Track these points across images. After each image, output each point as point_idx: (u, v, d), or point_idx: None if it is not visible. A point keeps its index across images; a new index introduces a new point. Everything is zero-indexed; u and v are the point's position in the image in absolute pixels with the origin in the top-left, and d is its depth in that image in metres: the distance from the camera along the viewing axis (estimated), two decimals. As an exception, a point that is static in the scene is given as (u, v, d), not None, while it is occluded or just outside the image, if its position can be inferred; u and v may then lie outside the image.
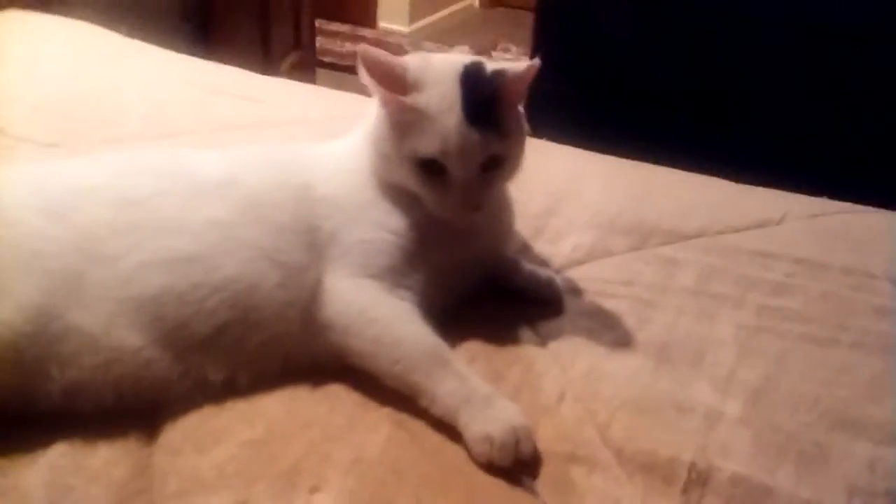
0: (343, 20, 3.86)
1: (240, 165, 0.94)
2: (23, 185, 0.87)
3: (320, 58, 3.19)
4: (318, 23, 3.11)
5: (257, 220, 0.87)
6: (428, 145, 0.86)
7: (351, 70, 1.53)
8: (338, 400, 0.84)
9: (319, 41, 3.24)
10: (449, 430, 0.80)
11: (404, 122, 0.86)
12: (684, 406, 0.86)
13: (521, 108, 0.92)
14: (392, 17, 4.02)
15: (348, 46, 3.60)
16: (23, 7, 1.67)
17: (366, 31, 3.89)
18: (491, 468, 0.77)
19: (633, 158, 1.35)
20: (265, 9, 2.53)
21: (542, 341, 0.95)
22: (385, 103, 0.88)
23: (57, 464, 0.75)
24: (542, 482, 0.77)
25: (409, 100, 0.85)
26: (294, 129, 1.32)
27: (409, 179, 0.89)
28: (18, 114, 1.26)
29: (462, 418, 0.79)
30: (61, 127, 1.24)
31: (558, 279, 1.03)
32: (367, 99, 0.94)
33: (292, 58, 2.70)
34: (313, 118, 1.37)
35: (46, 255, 0.80)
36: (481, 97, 0.86)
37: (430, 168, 0.87)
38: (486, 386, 0.82)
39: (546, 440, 0.80)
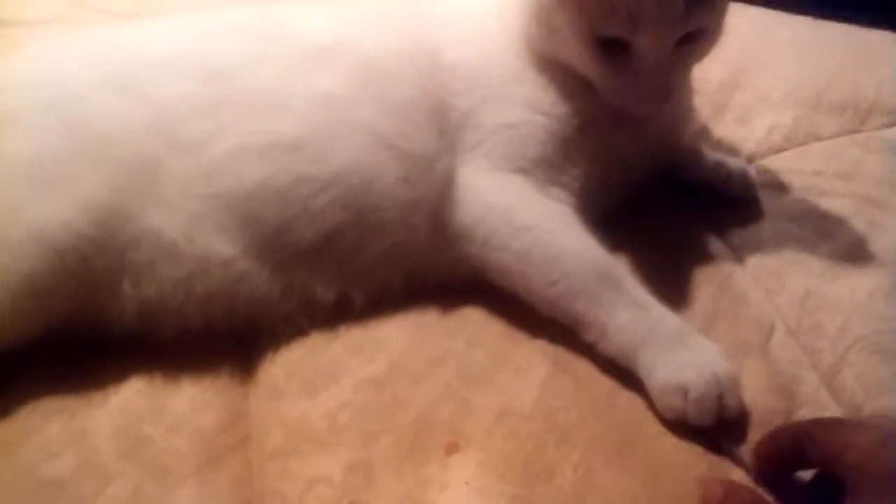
0: None
1: (352, 26, 0.73)
2: (85, 52, 0.70)
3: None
4: None
5: (375, 95, 0.67)
6: (616, 20, 0.63)
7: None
8: (477, 329, 0.66)
9: None
10: (625, 373, 0.61)
11: None
12: (944, 345, 0.64)
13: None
14: None
15: None
16: None
17: None
18: (683, 428, 0.58)
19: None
20: None
21: (738, 254, 0.73)
22: None
23: (132, 406, 0.60)
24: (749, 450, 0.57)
25: None
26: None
27: (582, 60, 0.67)
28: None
29: (644, 360, 0.60)
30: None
31: (752, 170, 0.79)
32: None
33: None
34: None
35: (114, 139, 0.63)
36: None
37: (612, 47, 0.65)
38: (675, 317, 0.63)
39: (750, 392, 0.60)
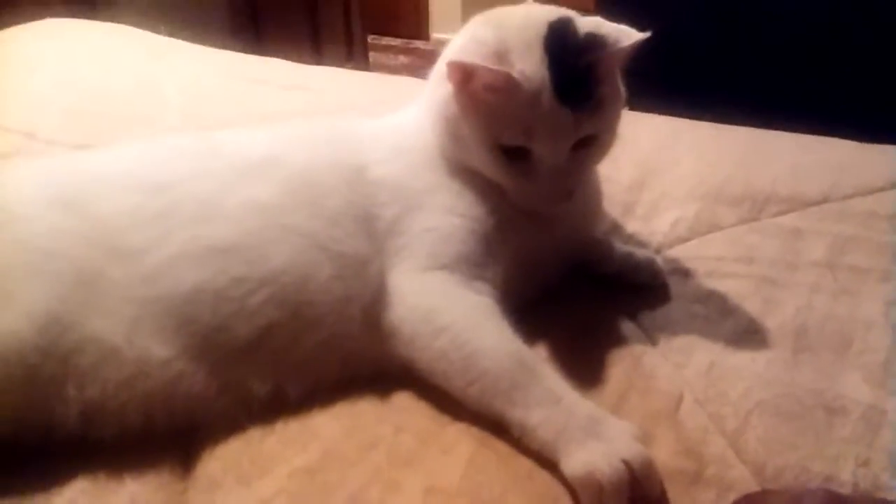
0: (395, 34, 3.74)
1: (284, 143, 0.80)
2: (33, 177, 0.76)
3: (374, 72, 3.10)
4: (370, 38, 3.06)
5: (306, 203, 0.74)
6: (513, 132, 0.71)
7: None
8: (406, 414, 0.70)
9: (372, 56, 3.17)
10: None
11: (483, 103, 0.72)
12: (835, 406, 0.69)
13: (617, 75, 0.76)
14: (445, 27, 3.84)
15: (402, 59, 3.50)
16: (69, 13, 1.58)
17: (419, 44, 3.75)
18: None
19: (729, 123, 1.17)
20: (316, 26, 2.50)
21: (648, 334, 0.79)
22: (461, 83, 0.73)
23: (77, 503, 0.62)
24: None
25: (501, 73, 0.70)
26: (343, 116, 1.18)
27: (488, 167, 0.75)
28: (48, 118, 1.16)
29: (561, 455, 0.63)
30: (92, 127, 1.13)
31: (659, 260, 0.86)
32: (422, 81, 0.80)
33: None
34: (363, 103, 1.23)
35: (58, 253, 0.68)
36: (573, 67, 0.71)
37: (514, 154, 0.72)
38: (588, 404, 0.66)
39: (662, 457, 0.64)
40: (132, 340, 0.67)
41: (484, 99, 0.71)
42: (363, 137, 0.82)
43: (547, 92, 0.70)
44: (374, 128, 0.85)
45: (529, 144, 0.71)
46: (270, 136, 0.82)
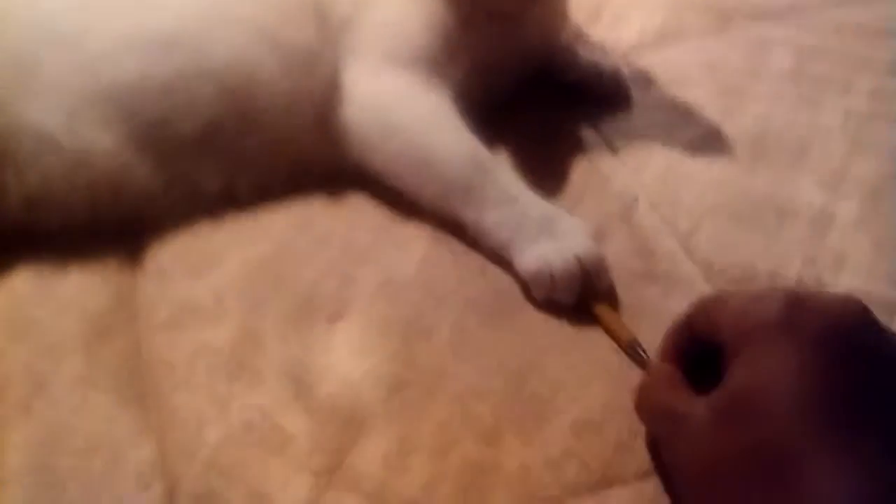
0: None
1: None
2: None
3: None
4: None
5: None
6: None
7: None
8: (360, 213, 0.69)
9: None
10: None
11: None
12: (787, 209, 0.70)
13: None
14: None
15: None
16: None
17: None
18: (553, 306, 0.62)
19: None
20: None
21: (607, 141, 0.77)
22: None
23: (19, 292, 0.62)
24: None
25: None
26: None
27: None
28: None
29: (515, 252, 0.63)
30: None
31: (624, 68, 0.84)
32: None
33: None
34: None
35: None
36: None
37: None
38: (543, 204, 0.65)
39: (614, 255, 0.65)
40: (73, 129, 0.64)
41: None
42: None
43: None
44: None
45: None
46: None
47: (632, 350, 0.57)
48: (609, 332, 0.60)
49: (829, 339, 0.41)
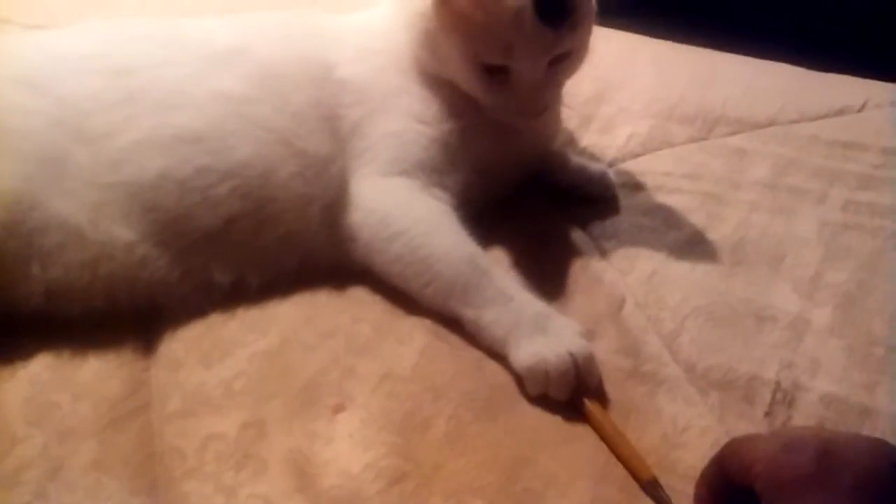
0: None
1: (252, 33, 0.80)
2: (-2, 55, 0.74)
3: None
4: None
5: (272, 96, 0.74)
6: (494, 50, 0.71)
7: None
8: (363, 307, 0.73)
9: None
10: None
11: (464, 20, 0.71)
12: (764, 314, 0.74)
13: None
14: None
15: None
16: None
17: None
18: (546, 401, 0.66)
19: (689, 44, 1.19)
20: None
21: (597, 243, 0.82)
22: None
23: (40, 378, 0.65)
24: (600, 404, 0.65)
25: None
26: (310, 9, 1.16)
27: (466, 81, 0.76)
28: (0, -4, 1.12)
29: (511, 349, 0.67)
30: (48, 5, 1.10)
31: (612, 173, 0.89)
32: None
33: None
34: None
35: (23, 133, 0.68)
36: None
37: (493, 70, 0.73)
38: (537, 302, 0.70)
39: (603, 353, 0.69)
40: (96, 223, 0.68)
41: (465, 16, 0.71)
42: (331, 34, 0.82)
43: (528, 10, 0.70)
44: (343, 25, 0.84)
45: (510, 63, 0.72)
46: (237, 27, 0.81)
47: (651, 489, 0.59)
48: (607, 441, 0.62)
49: (864, 488, 0.43)
